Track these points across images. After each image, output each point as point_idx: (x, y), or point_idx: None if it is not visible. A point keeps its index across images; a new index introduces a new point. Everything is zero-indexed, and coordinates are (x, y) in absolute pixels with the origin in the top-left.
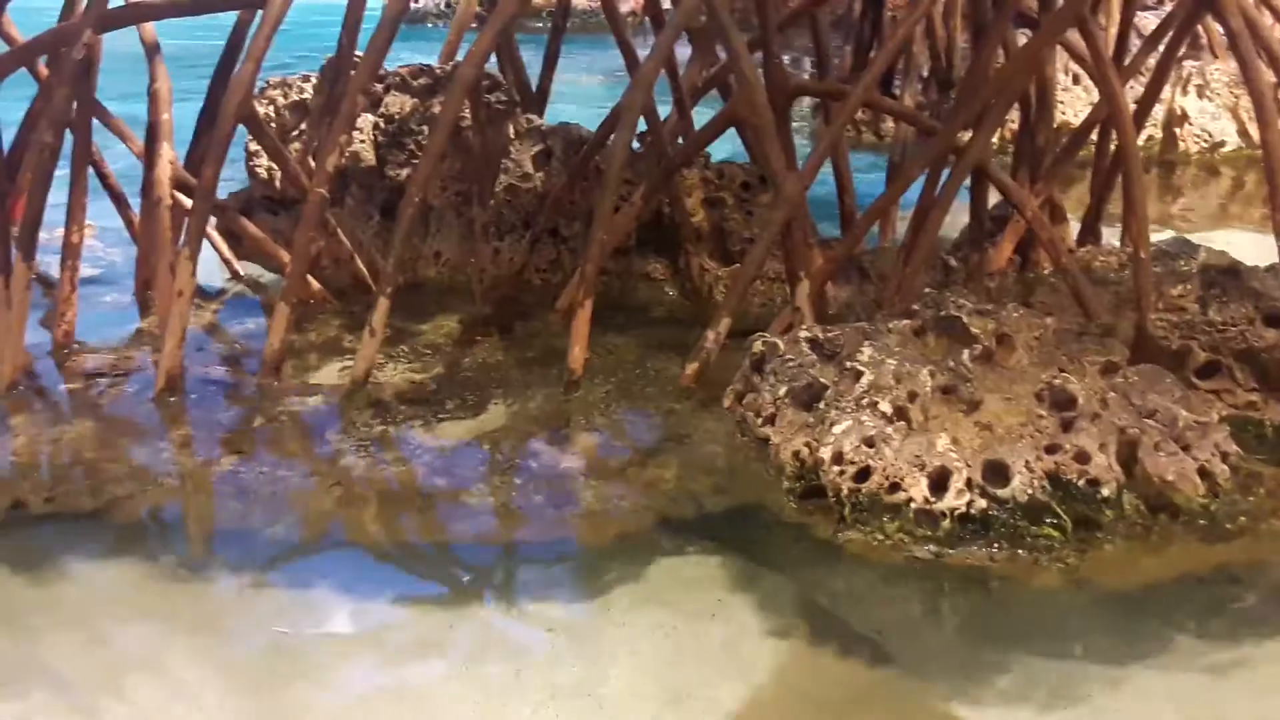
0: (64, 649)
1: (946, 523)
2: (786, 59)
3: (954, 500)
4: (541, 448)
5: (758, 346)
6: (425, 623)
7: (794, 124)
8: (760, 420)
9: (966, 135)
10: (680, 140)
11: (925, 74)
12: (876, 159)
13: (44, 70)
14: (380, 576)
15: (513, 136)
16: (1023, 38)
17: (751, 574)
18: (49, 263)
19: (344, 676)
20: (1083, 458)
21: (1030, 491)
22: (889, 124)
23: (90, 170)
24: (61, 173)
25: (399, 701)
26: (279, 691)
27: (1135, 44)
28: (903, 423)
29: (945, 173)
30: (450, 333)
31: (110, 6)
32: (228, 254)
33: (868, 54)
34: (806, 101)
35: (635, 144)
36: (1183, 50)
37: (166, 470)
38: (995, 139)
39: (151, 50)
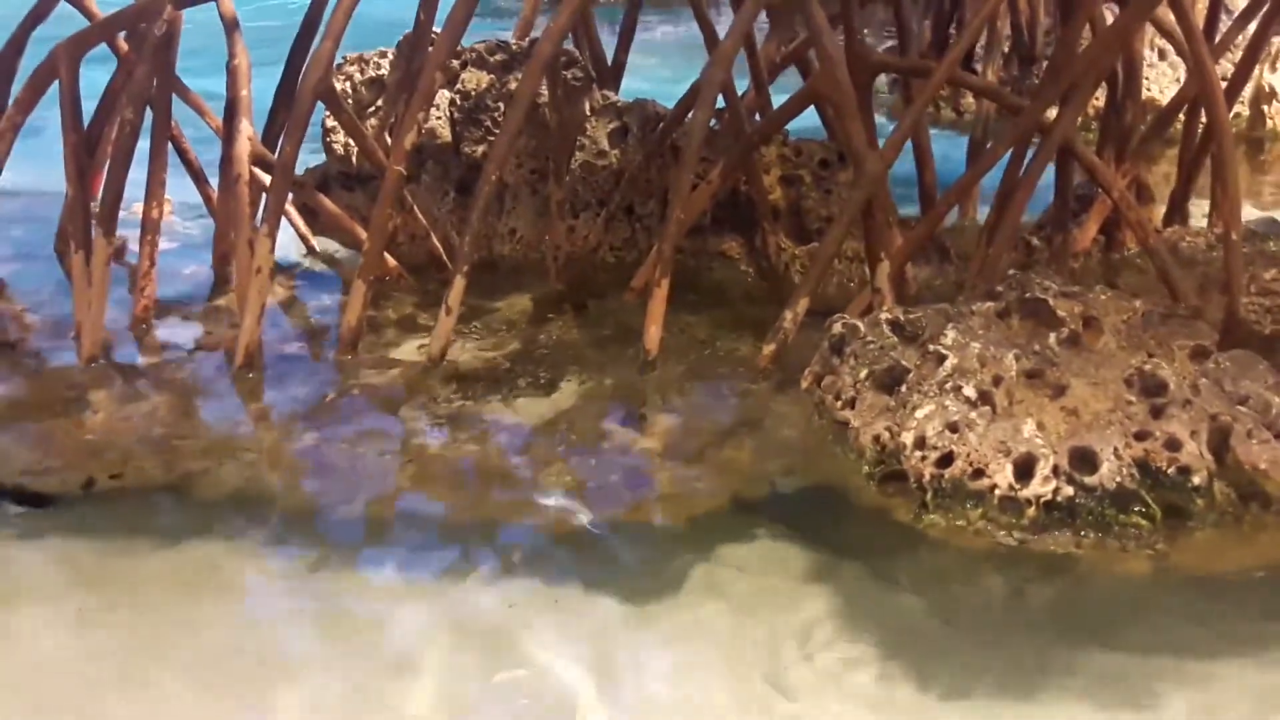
0: (131, 626)
1: (1032, 510)
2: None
3: (1040, 488)
4: (616, 428)
5: (837, 328)
6: (493, 601)
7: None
8: (839, 403)
9: (1051, 113)
10: (757, 117)
11: (1006, 50)
12: (954, 135)
13: (124, 46)
14: (454, 554)
15: (588, 113)
16: (1109, 13)
17: (828, 558)
18: (127, 238)
19: (414, 653)
20: (1173, 445)
21: (1119, 479)
22: (968, 100)
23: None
24: (140, 147)
25: (466, 680)
26: (350, 668)
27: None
28: (987, 407)
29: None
30: (524, 310)
31: None
32: (304, 230)
33: (947, 29)
34: (881, 77)
35: (712, 121)
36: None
37: (244, 445)
38: (1079, 116)
39: (230, 25)
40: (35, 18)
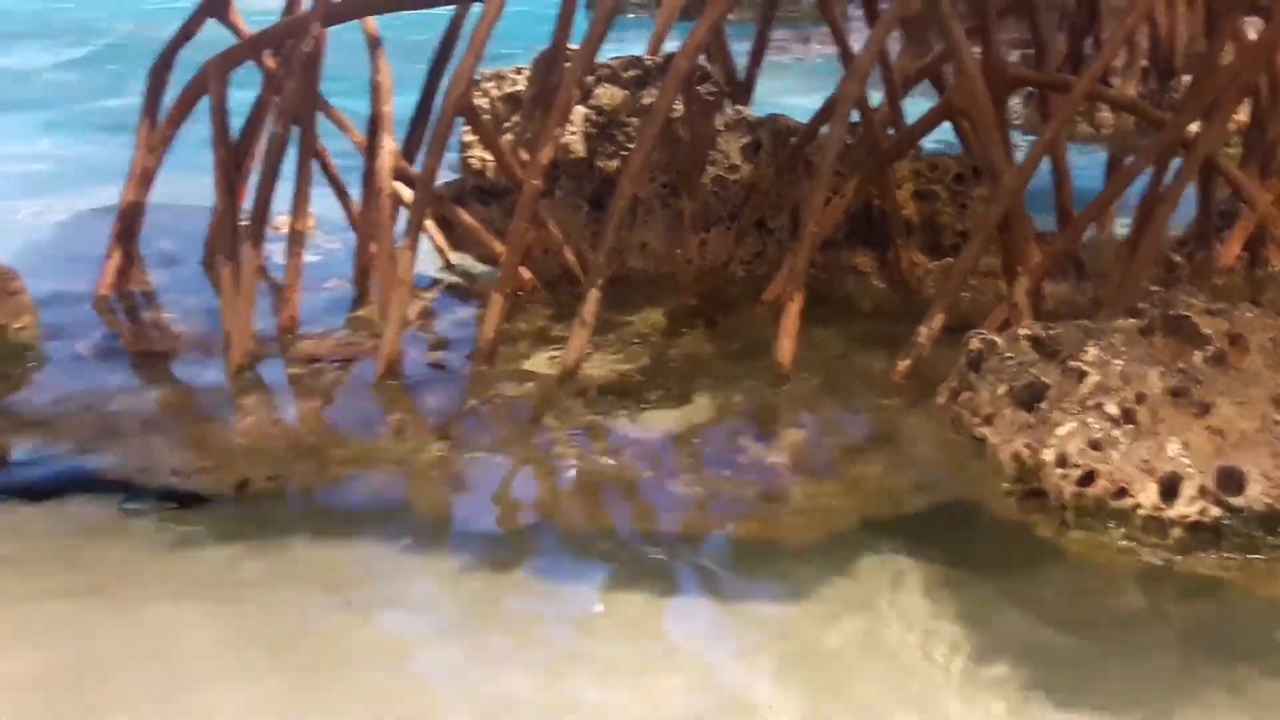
0: (266, 626)
1: (1177, 531)
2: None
3: (1185, 508)
4: (748, 442)
5: (975, 344)
6: (631, 612)
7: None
8: (977, 419)
9: (1193, 128)
10: (890, 131)
11: (1145, 64)
12: (1089, 150)
13: (270, 63)
14: (586, 564)
15: (721, 128)
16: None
17: (965, 577)
18: (272, 251)
19: (549, 659)
20: None
21: (1267, 500)
22: (1105, 114)
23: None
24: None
25: (602, 686)
26: (488, 671)
27: None
28: (1130, 426)
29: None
30: (656, 324)
31: (335, 0)
32: (442, 243)
33: (1083, 42)
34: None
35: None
36: None
37: (383, 453)
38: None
39: (373, 43)
40: (185, 35)
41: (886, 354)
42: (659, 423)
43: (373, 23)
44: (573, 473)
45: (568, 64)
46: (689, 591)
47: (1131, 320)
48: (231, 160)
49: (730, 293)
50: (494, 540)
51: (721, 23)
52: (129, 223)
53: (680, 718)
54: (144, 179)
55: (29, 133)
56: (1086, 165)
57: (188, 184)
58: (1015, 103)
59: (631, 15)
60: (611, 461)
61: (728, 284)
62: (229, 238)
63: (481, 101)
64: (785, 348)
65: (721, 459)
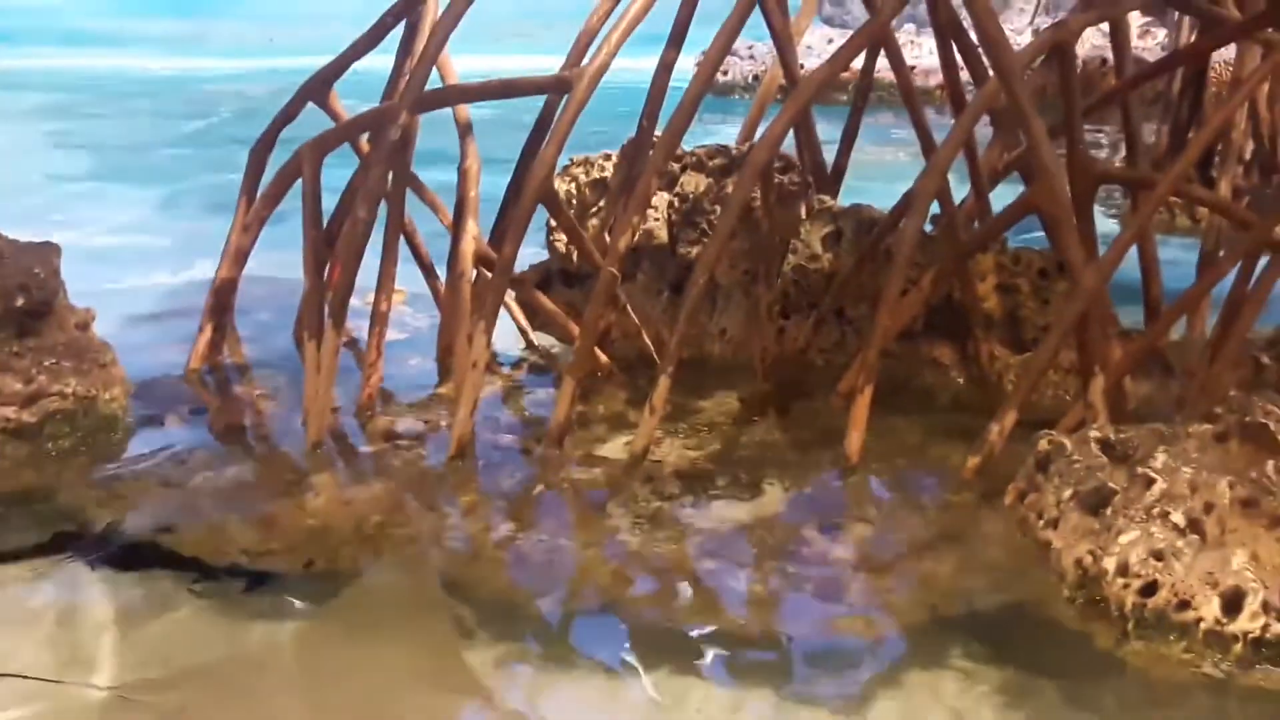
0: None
1: (1239, 646)
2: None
3: (1248, 623)
4: (813, 535)
5: (1043, 445)
6: (685, 706)
7: (1107, 207)
8: (1042, 522)
9: None
10: (976, 224)
11: (1246, 157)
12: (1190, 244)
13: (365, 146)
14: (644, 654)
15: (804, 217)
16: None
17: (1024, 683)
18: (358, 326)
19: None
20: None
21: None
22: (1205, 209)
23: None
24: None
25: None
26: None
27: None
28: (1196, 536)
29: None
30: (730, 411)
31: (427, 90)
32: (524, 324)
33: (1185, 135)
34: None
35: (928, 227)
36: None
37: (450, 534)
38: None
39: (464, 130)
40: (286, 118)
41: (962, 447)
42: (726, 512)
43: (464, 109)
44: (635, 561)
45: (650, 152)
46: (747, 688)
47: (1207, 425)
48: (322, 240)
49: (808, 381)
50: (550, 627)
51: (807, 112)
52: (221, 298)
53: None
54: (238, 256)
55: (137, 206)
56: (1184, 260)
57: (293, 257)
58: (1117, 196)
59: (739, 97)
60: (675, 550)
61: (806, 372)
62: (316, 315)
63: (569, 187)
64: (854, 439)
65: (785, 552)
